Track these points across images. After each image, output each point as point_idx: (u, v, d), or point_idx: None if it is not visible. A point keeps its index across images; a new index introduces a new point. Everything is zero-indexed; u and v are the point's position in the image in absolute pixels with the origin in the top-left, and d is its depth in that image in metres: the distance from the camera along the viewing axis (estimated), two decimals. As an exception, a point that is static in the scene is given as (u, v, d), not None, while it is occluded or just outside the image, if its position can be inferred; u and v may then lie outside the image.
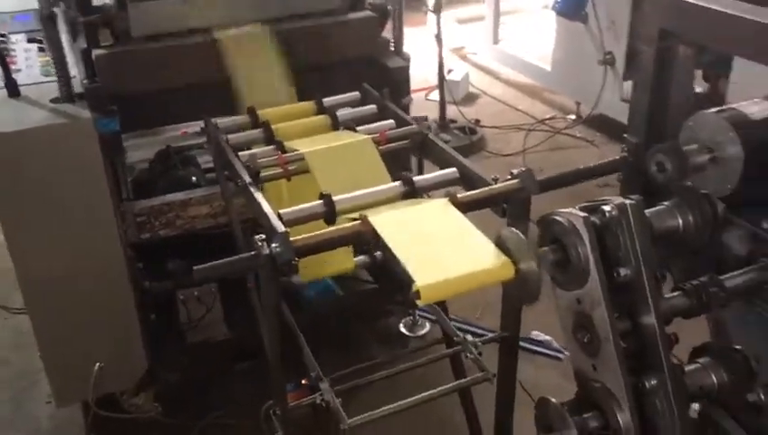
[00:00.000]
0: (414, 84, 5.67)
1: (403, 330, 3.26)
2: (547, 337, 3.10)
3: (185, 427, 2.74)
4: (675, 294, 1.41)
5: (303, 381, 1.78)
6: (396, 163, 1.99)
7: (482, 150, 4.82)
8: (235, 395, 2.79)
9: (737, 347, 1.43)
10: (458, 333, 1.85)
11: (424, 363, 1.94)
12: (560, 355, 3.03)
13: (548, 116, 5.21)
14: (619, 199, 1.31)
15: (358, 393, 2.17)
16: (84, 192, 2.33)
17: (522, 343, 2.59)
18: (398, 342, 3.15)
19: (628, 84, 4.18)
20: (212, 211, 2.48)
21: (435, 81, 4.91)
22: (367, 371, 1.97)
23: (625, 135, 1.74)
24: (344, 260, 1.93)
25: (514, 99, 5.57)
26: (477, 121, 5.13)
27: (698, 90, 4.81)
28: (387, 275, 2.06)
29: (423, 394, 1.77)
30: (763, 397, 1.42)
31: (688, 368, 1.40)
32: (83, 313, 2.51)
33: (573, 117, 5.13)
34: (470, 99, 5.65)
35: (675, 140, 1.48)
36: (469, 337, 1.83)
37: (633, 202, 1.30)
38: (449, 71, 5.61)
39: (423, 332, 3.21)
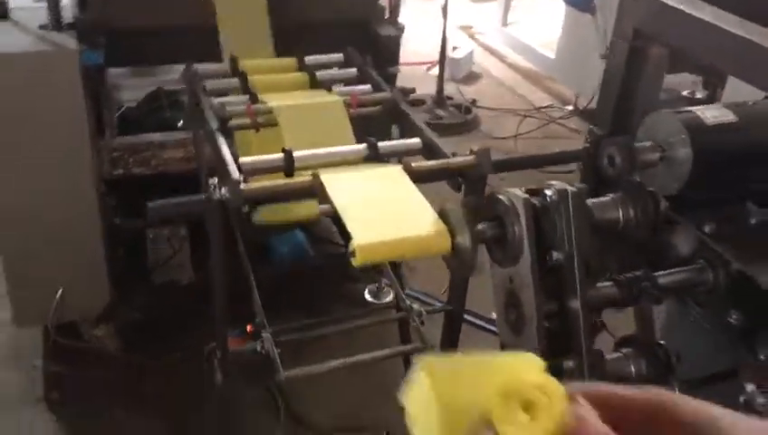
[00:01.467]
0: (417, 57, 5.72)
1: (367, 296, 3.29)
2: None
3: (141, 365, 2.78)
4: (607, 284, 1.45)
5: (249, 329, 1.82)
6: (380, 131, 2.00)
7: (474, 130, 4.84)
8: (194, 340, 2.84)
9: (660, 342, 1.48)
10: (406, 300, 1.89)
11: (367, 325, 1.98)
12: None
13: (545, 104, 5.21)
14: (562, 185, 1.34)
15: (303, 349, 2.23)
16: (62, 123, 2.36)
17: (469, 318, 2.63)
18: (361, 307, 3.19)
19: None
20: (186, 155, 2.50)
21: (438, 55, 4.91)
22: (315, 326, 2.01)
23: (590, 126, 1.76)
24: (309, 207, 1.94)
25: (515, 83, 5.57)
26: (474, 101, 5.13)
27: (699, 96, 4.84)
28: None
29: (362, 355, 1.81)
30: (677, 392, 1.46)
31: (610, 356, 1.44)
32: (50, 240, 2.56)
33: (571, 108, 5.13)
34: (472, 78, 5.64)
35: (627, 136, 1.51)
36: (416, 306, 1.86)
37: (575, 189, 1.32)
38: (454, 48, 5.60)
39: (387, 299, 3.24)
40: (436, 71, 5.19)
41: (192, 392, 2.63)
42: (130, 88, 3.52)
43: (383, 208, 1.39)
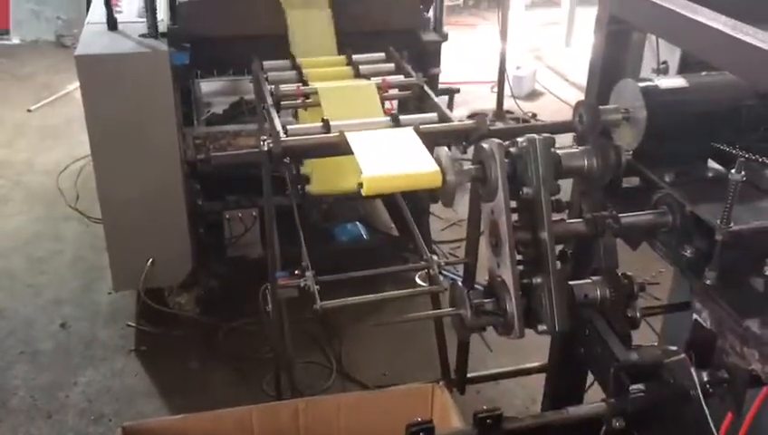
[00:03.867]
0: (484, 77, 6.05)
1: (418, 280, 3.63)
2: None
3: (215, 326, 3.22)
4: (577, 220, 1.75)
5: (296, 272, 2.20)
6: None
7: (531, 142, 5.11)
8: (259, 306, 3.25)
9: (627, 273, 1.76)
10: (427, 252, 2.23)
11: (394, 271, 2.32)
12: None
13: (603, 119, 5.43)
14: (532, 135, 1.67)
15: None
16: (157, 114, 2.85)
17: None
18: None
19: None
20: (257, 144, 2.93)
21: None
22: (353, 280, 2.37)
23: (580, 100, 2.07)
24: (353, 179, 2.29)
25: (575, 99, 5.80)
26: (534, 115, 5.43)
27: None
28: (408, 228, 2.48)
29: (390, 292, 2.16)
30: (638, 314, 1.74)
31: (577, 282, 1.73)
32: (145, 219, 3.04)
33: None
34: (534, 95, 5.94)
35: (593, 99, 1.82)
36: (435, 257, 2.20)
37: (541, 138, 1.65)
38: (518, 67, 5.93)
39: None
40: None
41: (256, 349, 3.05)
42: (220, 103, 4.05)
43: (391, 153, 1.74)
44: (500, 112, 5.27)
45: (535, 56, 6.71)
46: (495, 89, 5.72)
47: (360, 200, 3.68)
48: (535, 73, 6.04)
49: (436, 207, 3.71)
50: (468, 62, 6.38)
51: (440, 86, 3.15)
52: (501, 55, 5.07)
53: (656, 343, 2.24)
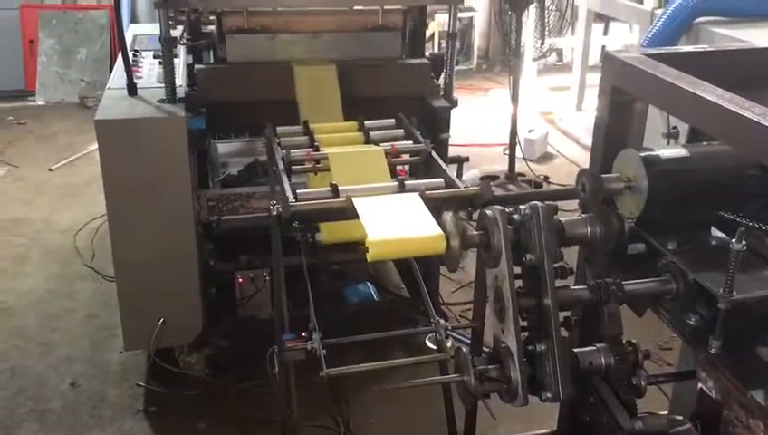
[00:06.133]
0: (495, 140, 6.12)
1: (428, 343, 3.62)
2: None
3: (224, 387, 3.22)
4: (581, 287, 1.76)
5: (303, 334, 2.22)
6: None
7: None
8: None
9: (632, 341, 1.76)
10: (435, 316, 2.25)
11: (400, 335, 2.33)
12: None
13: (615, 182, 5.46)
14: (535, 203, 1.70)
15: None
16: (172, 176, 2.91)
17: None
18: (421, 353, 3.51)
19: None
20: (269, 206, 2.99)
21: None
22: (361, 343, 2.38)
23: (583, 168, 2.10)
24: (360, 228, 2.32)
25: (587, 162, 5.86)
26: (546, 178, 5.47)
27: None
28: (417, 289, 2.50)
29: (397, 360, 2.17)
30: (643, 383, 1.74)
31: (581, 349, 1.74)
32: (158, 279, 3.07)
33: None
34: (546, 158, 6.00)
35: (595, 167, 1.85)
36: (442, 321, 2.22)
37: (544, 206, 1.68)
38: (530, 130, 6.02)
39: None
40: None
41: (264, 411, 3.04)
42: (235, 164, 4.13)
43: (396, 218, 1.78)
44: (512, 175, 5.33)
45: (547, 119, 6.80)
46: (508, 151, 5.81)
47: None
48: (547, 136, 6.12)
49: (446, 269, 3.73)
50: (481, 125, 6.49)
51: (453, 148, 3.21)
52: (512, 118, 5.15)
53: (666, 410, 2.22)
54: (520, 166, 5.45)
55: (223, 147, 4.10)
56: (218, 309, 3.30)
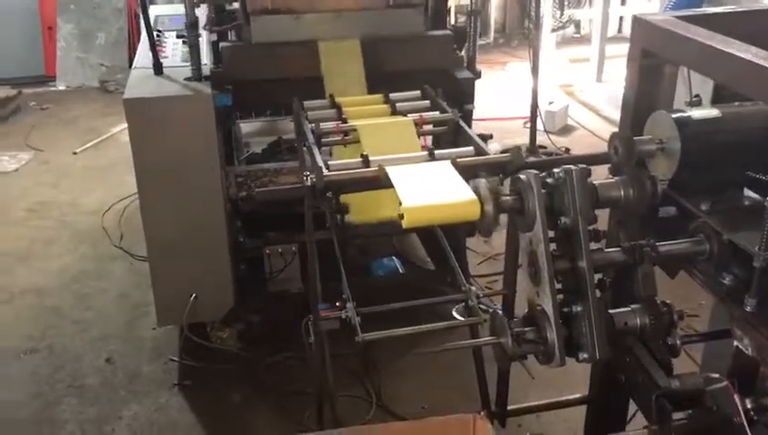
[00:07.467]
0: (517, 113, 6.10)
1: (455, 314, 3.65)
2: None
3: (256, 361, 3.27)
4: (615, 249, 1.78)
5: (337, 304, 2.25)
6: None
7: (565, 176, 5.14)
8: (300, 340, 3.30)
9: (666, 301, 1.78)
10: (465, 283, 2.27)
11: (432, 303, 2.36)
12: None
13: (637, 152, 5.44)
14: (569, 166, 1.71)
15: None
16: (201, 153, 2.94)
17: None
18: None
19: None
20: (297, 181, 3.01)
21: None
22: (390, 315, 2.40)
23: (614, 132, 2.11)
24: (391, 207, 2.33)
25: (608, 133, 5.82)
26: (567, 150, 5.46)
27: None
28: (444, 261, 2.51)
29: (429, 325, 2.20)
30: (678, 342, 1.75)
31: (616, 310, 1.75)
32: (189, 255, 3.11)
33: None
34: (567, 130, 5.98)
35: (627, 131, 1.85)
36: (473, 288, 2.24)
37: (578, 169, 1.69)
38: (550, 102, 5.99)
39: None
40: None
41: (297, 383, 3.09)
42: (258, 143, 4.16)
43: (429, 186, 1.79)
44: (533, 147, 5.31)
45: (567, 92, 6.76)
46: (528, 124, 5.79)
47: (396, 235, 3.73)
48: (567, 108, 6.09)
49: (471, 242, 3.74)
50: (500, 99, 6.46)
51: (474, 123, 3.21)
52: (533, 91, 5.12)
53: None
54: (541, 139, 5.43)
55: (245, 126, 4.13)
56: (248, 284, 3.35)
